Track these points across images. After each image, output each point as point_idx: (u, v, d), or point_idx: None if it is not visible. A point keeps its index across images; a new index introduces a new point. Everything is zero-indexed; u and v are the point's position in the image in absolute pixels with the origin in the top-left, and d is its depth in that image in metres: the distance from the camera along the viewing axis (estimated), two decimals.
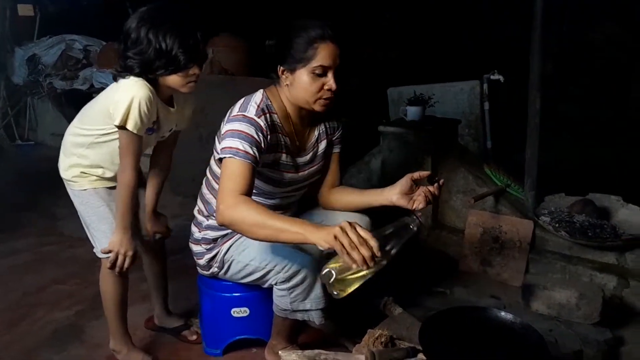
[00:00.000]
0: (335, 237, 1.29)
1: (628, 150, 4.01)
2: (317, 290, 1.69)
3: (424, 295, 2.35)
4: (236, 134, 1.57)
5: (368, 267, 1.30)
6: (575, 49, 5.02)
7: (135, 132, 1.66)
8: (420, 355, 1.47)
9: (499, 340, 1.50)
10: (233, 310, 1.96)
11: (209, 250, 1.82)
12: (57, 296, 2.53)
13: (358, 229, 1.32)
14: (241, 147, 1.55)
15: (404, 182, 1.71)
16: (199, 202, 1.88)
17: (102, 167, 1.82)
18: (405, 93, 3.76)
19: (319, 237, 1.33)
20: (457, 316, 1.58)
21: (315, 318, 1.74)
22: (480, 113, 3.75)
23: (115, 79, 1.73)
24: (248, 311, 1.96)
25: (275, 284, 1.70)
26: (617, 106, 4.86)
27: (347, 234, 1.29)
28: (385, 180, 2.79)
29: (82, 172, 1.82)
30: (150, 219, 2.02)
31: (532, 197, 2.52)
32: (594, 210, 2.43)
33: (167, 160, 2.01)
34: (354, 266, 1.29)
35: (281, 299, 1.72)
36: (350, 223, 1.32)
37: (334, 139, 1.88)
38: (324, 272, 1.34)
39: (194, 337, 2.15)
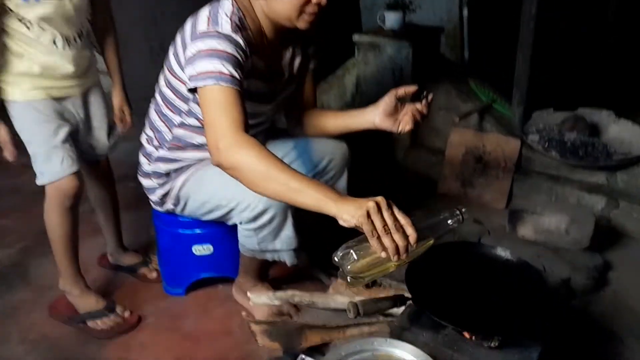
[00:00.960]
0: (368, 215, 1.04)
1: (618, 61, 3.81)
2: (288, 230, 1.48)
3: None
4: (215, 54, 1.25)
5: (399, 259, 1.06)
6: None
7: None
8: (410, 303, 1.30)
9: (495, 280, 1.35)
10: (194, 247, 1.75)
11: (162, 185, 1.57)
12: None
13: (395, 210, 1.07)
14: (225, 70, 1.23)
15: (387, 101, 1.46)
16: (147, 129, 1.60)
17: (22, 56, 1.51)
18: None
19: (344, 210, 1.05)
20: (447, 253, 1.40)
21: (287, 259, 1.55)
22: (459, 21, 3.44)
23: None
24: (211, 248, 1.75)
25: (240, 223, 1.48)
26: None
27: (381, 214, 1.05)
28: (361, 97, 2.54)
29: (9, 76, 1.51)
30: (120, 103, 1.80)
31: (520, 113, 2.32)
32: (585, 127, 2.25)
33: (104, 21, 1.72)
34: (383, 254, 1.05)
35: (247, 239, 1.51)
36: (387, 200, 1.07)
37: (308, 51, 1.59)
38: (341, 253, 1.09)
39: (154, 275, 1.95)
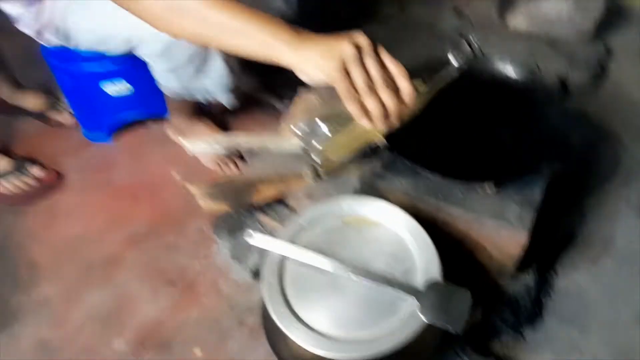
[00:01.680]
0: (344, 68, 0.66)
1: None
2: (216, 64, 1.09)
3: (368, 24, 1.78)
4: None
5: (387, 126, 0.71)
6: None
7: None
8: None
9: (489, 105, 1.06)
10: (106, 87, 1.36)
11: (34, 14, 1.10)
12: None
13: (383, 53, 0.69)
14: None
15: None
16: None
17: None
18: None
19: (307, 60, 0.67)
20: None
21: (224, 100, 1.19)
22: None
23: None
24: (130, 86, 1.37)
25: (150, 60, 1.09)
26: None
27: (361, 64, 0.66)
28: None
29: None
30: None
31: None
32: None
33: None
34: (365, 123, 0.69)
35: (166, 80, 1.14)
36: (369, 40, 0.68)
37: None
38: (306, 127, 0.73)
39: (68, 118, 1.58)
